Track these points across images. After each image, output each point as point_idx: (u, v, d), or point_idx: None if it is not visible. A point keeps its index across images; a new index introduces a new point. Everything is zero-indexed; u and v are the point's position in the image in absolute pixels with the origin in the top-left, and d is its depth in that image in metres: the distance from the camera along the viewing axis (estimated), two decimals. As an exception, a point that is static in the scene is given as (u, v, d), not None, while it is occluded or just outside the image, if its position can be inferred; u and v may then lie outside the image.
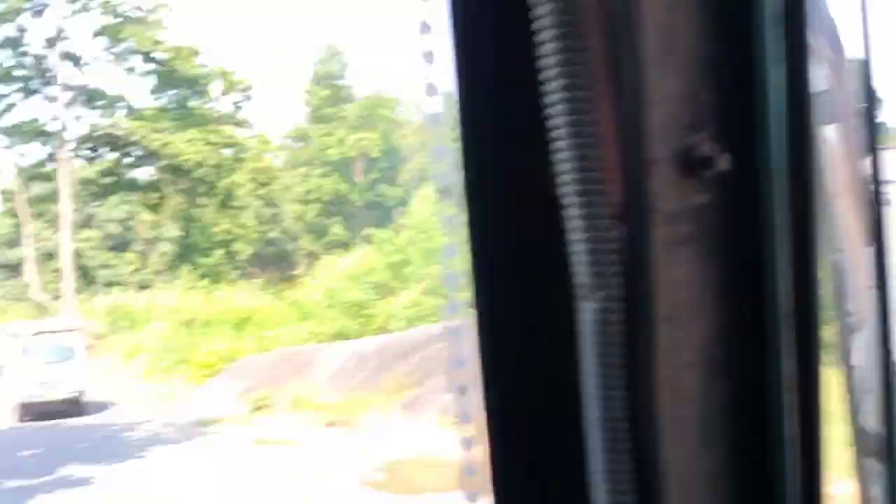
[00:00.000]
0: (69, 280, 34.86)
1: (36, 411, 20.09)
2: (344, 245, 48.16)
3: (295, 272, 52.60)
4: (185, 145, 35.53)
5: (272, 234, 60.31)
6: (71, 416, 20.33)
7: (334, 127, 58.81)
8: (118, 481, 14.00)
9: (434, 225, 24.57)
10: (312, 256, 54.24)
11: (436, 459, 12.32)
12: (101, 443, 17.38)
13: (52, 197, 37.37)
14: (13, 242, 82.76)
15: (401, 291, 25.87)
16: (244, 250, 53.26)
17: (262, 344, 24.12)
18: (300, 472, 13.57)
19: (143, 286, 76.20)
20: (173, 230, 44.15)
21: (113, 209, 77.15)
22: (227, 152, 39.88)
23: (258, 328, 26.58)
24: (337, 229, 60.22)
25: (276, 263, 77.95)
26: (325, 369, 20.11)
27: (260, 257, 63.99)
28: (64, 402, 20.32)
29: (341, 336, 23.74)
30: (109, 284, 75.31)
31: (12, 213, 38.51)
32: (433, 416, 15.08)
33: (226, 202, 40.85)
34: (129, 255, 60.09)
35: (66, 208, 35.06)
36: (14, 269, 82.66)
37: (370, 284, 26.46)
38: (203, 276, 41.14)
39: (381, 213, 54.31)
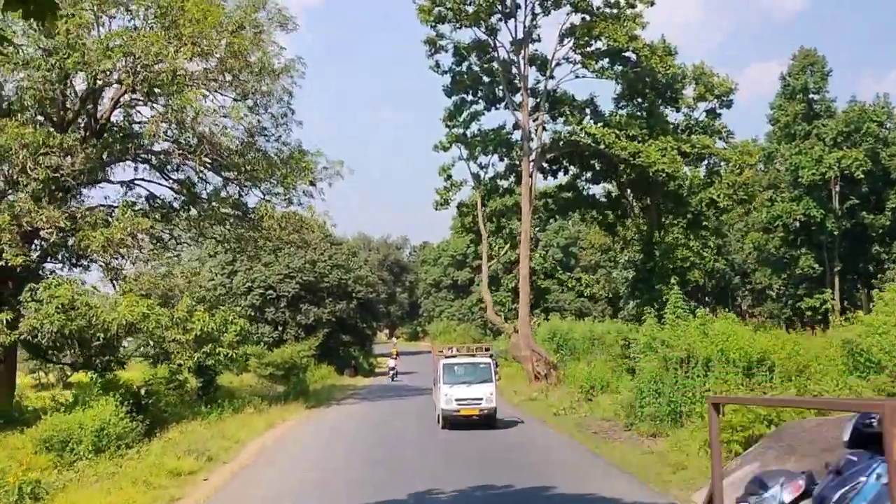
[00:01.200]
0: (525, 301, 32.21)
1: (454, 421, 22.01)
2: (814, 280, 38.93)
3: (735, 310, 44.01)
4: (656, 155, 30.75)
5: (718, 264, 53.55)
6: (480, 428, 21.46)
7: (809, 145, 49.57)
8: None
9: None
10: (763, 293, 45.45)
11: None
12: None
13: (509, 212, 35.51)
14: (461, 263, 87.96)
15: None
16: (697, 279, 46.97)
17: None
18: None
19: (582, 314, 73.35)
20: (631, 253, 39.86)
21: (561, 229, 74.83)
22: (697, 165, 34.37)
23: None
24: (807, 261, 50.67)
25: (718, 298, 70.06)
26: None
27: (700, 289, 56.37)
28: (479, 416, 22.12)
29: None
30: (547, 310, 74.27)
31: (468, 228, 37.47)
32: None
33: (694, 223, 35.18)
34: (568, 279, 57.94)
35: (525, 225, 32.66)
36: (463, 288, 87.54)
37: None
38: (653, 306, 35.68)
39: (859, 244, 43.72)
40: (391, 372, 55.99)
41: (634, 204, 36.42)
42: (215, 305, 49.90)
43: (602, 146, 31.06)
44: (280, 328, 51.34)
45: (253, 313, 50.83)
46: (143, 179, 30.48)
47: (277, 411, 26.46)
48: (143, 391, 24.03)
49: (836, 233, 49.18)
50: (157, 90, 26.44)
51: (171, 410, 24.33)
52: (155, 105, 27.55)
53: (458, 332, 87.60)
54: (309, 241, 54.25)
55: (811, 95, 53.46)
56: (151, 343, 27.87)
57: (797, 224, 50.49)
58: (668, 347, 17.84)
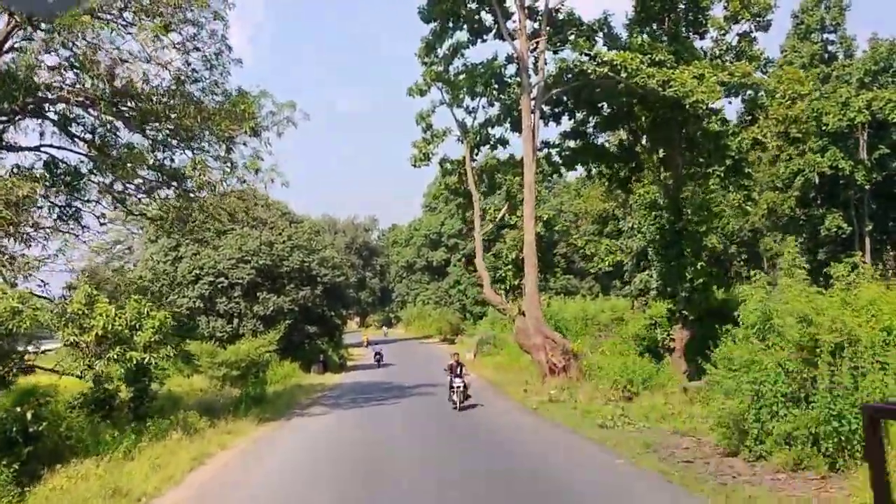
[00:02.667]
0: (532, 275, 25.67)
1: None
2: None
3: None
4: (692, 83, 24.22)
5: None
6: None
7: (831, 88, 43.43)
8: None
9: None
10: None
11: None
12: None
13: (504, 167, 28.89)
14: (436, 243, 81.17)
15: None
16: (715, 245, 40.96)
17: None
18: None
19: (568, 292, 66.94)
20: (641, 217, 33.48)
21: (541, 201, 69.06)
22: None
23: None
24: (834, 221, 44.64)
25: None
26: None
27: None
28: None
29: None
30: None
31: (453, 190, 30.68)
32: None
33: (733, 170, 28.74)
34: None
35: (528, 176, 26.06)
36: (438, 270, 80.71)
37: None
38: None
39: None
40: (376, 357, 53.20)
41: (652, 152, 29.86)
42: (159, 299, 42.75)
43: (622, 75, 24.39)
44: (235, 321, 44.31)
45: (202, 305, 43.75)
46: (50, 145, 24.08)
47: (216, 433, 19.60)
48: (29, 414, 17.11)
49: (866, 187, 43.20)
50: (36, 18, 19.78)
51: (75, 437, 17.34)
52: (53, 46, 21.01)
53: (434, 318, 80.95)
54: (262, 219, 47.26)
55: (826, 35, 47.42)
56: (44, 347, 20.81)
57: (817, 179, 44.39)
58: (813, 327, 11.22)
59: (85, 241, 27.07)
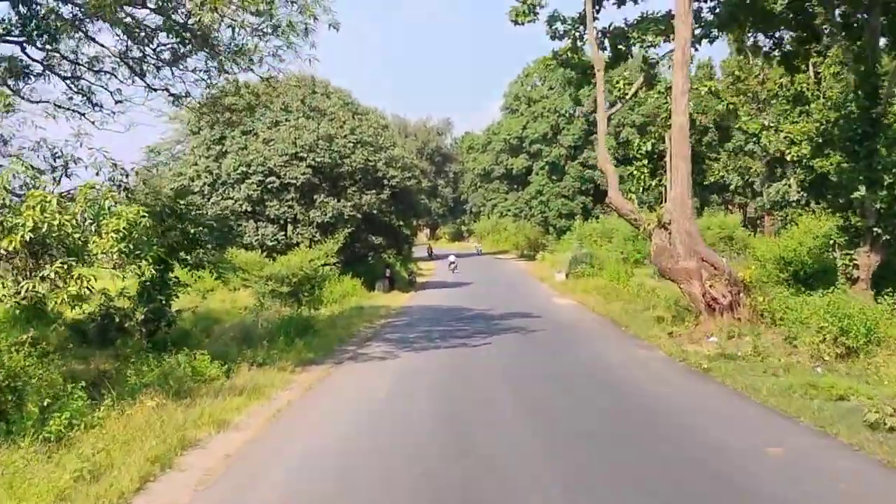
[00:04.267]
0: (683, 172, 18.01)
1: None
2: None
3: None
4: None
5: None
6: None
7: None
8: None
9: None
10: None
11: None
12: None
13: (639, 29, 20.83)
14: (517, 148, 72.95)
15: None
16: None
17: None
18: None
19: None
20: (814, 101, 25.08)
21: (637, 104, 60.52)
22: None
23: None
24: None
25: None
26: None
27: None
28: None
29: None
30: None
31: (565, 62, 22.67)
32: None
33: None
34: None
35: (682, 35, 18.13)
36: (518, 179, 72.88)
37: None
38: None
39: None
40: (451, 266, 53.68)
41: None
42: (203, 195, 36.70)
43: None
44: (288, 228, 37.97)
45: (250, 208, 37.45)
46: None
47: (225, 391, 12.91)
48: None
49: None
50: None
51: (33, 385, 10.88)
52: None
53: (510, 231, 73.62)
54: (320, 109, 40.16)
55: None
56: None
57: None
58: None
59: (94, 123, 20.83)
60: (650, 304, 25.77)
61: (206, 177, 37.68)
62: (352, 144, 37.96)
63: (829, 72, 28.11)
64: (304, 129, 37.14)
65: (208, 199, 37.61)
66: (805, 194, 34.15)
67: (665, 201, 19.04)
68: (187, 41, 19.04)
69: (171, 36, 18.91)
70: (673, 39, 18.95)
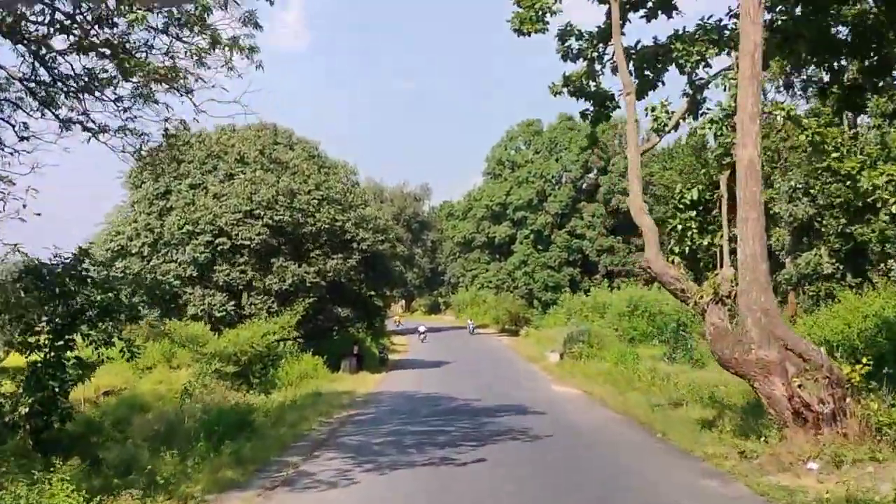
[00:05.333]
0: (756, 228, 13.18)
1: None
2: None
3: None
4: None
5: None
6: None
7: None
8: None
9: None
10: None
11: None
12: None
13: (684, 44, 16.29)
14: (499, 215, 68.33)
15: None
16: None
17: None
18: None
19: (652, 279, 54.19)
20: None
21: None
22: None
23: None
24: None
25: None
26: None
27: None
28: None
29: None
30: (611, 275, 55.30)
31: (578, 90, 18.01)
32: None
33: None
34: None
35: (748, 50, 13.59)
36: (501, 248, 68.15)
37: None
38: None
39: None
40: (421, 336, 54.33)
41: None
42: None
43: None
44: (242, 297, 32.73)
45: (196, 273, 32.21)
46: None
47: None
48: None
49: None
50: None
51: None
52: None
53: (489, 304, 68.37)
54: (281, 160, 35.14)
55: None
56: None
57: None
58: None
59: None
60: (675, 396, 20.73)
61: (147, 236, 32.53)
62: (317, 201, 33.02)
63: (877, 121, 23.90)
64: (261, 183, 32.21)
65: (148, 262, 32.43)
66: (840, 266, 29.74)
67: (720, 266, 14.14)
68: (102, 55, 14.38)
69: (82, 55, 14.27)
70: (730, 52, 14.36)
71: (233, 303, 32.14)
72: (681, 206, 14.75)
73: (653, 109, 15.53)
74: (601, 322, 42.67)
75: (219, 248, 31.79)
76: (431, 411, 21.12)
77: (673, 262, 14.39)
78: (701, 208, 15.09)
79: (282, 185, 32.24)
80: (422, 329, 56.97)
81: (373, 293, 37.91)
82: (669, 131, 15.58)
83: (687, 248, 14.64)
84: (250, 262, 32.22)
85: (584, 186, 64.86)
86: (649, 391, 22.62)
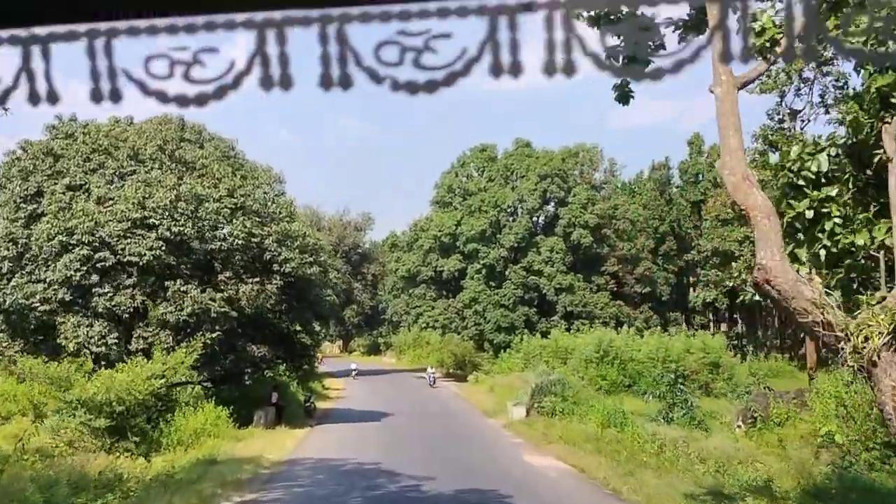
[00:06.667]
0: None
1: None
2: None
3: None
4: None
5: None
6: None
7: None
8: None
9: None
10: None
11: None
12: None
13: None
14: (448, 247, 62.26)
15: None
16: None
17: None
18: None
19: (619, 322, 50.39)
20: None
21: (590, 202, 52.92)
22: None
23: None
24: None
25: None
26: None
27: None
28: None
29: None
30: (569, 315, 49.74)
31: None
32: None
33: None
34: None
35: None
36: (449, 283, 61.99)
37: None
38: None
39: None
40: (353, 373, 54.11)
41: None
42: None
43: None
44: (127, 327, 25.71)
45: (69, 297, 25.12)
46: None
47: None
48: None
49: None
50: None
51: None
52: None
53: (433, 346, 61.63)
54: (185, 159, 27.99)
55: None
56: None
57: None
58: None
59: None
60: (705, 478, 14.79)
61: (9, 248, 25.37)
62: (229, 211, 26.26)
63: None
64: (157, 186, 25.39)
65: (8, 281, 25.29)
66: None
67: (884, 283, 8.08)
68: None
69: None
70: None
71: (115, 335, 25.07)
72: (810, 177, 8.47)
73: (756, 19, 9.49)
74: (563, 369, 37.19)
75: (98, 266, 24.77)
76: (365, 499, 14.51)
77: (800, 272, 8.18)
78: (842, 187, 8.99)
79: (184, 189, 25.45)
80: (353, 366, 57.09)
81: (299, 329, 31.10)
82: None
83: (824, 251, 8.40)
84: (140, 285, 25.25)
85: (541, 219, 59.46)
86: (664, 468, 16.55)
